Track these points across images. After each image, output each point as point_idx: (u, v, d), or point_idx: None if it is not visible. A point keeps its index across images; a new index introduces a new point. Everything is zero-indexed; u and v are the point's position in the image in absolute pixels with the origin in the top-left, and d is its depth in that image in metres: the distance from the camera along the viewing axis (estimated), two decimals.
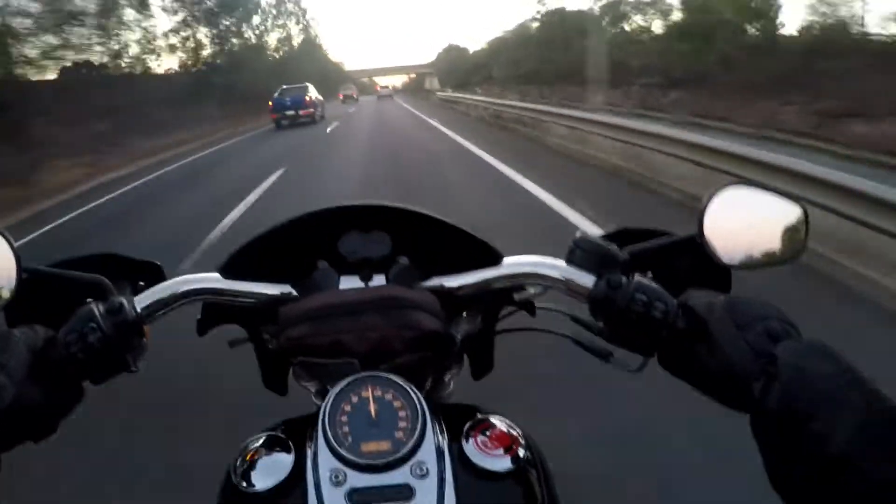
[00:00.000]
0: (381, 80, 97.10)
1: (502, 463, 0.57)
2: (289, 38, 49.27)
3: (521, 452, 0.58)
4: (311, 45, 59.05)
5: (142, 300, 0.64)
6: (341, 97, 53.89)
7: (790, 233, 0.66)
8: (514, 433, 0.60)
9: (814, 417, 0.43)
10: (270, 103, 23.17)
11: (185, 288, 0.67)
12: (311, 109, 22.86)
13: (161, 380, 2.54)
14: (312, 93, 24.07)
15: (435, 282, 0.70)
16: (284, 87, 24.21)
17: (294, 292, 0.69)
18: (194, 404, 2.67)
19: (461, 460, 0.56)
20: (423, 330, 0.64)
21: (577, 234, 0.66)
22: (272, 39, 43.58)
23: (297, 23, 51.90)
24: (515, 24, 48.87)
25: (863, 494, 0.40)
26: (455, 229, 0.73)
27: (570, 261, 0.66)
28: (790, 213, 0.65)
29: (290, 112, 22.46)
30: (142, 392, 2.49)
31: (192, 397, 2.72)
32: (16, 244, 0.61)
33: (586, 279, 0.64)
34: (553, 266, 0.66)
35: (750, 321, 0.53)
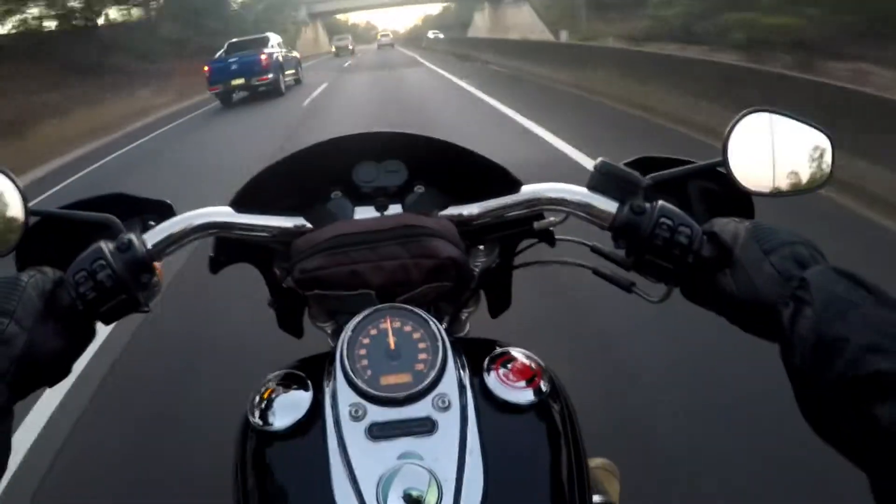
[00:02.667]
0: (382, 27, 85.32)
1: (524, 395, 0.56)
2: None
3: (543, 385, 0.57)
4: None
5: (152, 236, 0.63)
6: (333, 50, 45.89)
7: (815, 160, 0.64)
8: (536, 365, 0.59)
9: (848, 341, 0.42)
10: (206, 69, 14.62)
11: (197, 222, 0.65)
12: (271, 75, 14.68)
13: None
14: (275, 48, 15.77)
15: (452, 210, 0.68)
16: (233, 41, 16.43)
17: (308, 224, 0.68)
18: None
19: (483, 393, 0.56)
20: (442, 258, 0.63)
21: (599, 160, 0.64)
22: None
23: None
24: None
25: None
26: (472, 156, 0.71)
27: (591, 187, 0.64)
28: (815, 140, 0.64)
29: (239, 80, 14.37)
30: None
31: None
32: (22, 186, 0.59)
33: (609, 205, 0.62)
34: (574, 192, 0.64)
35: (776, 246, 0.52)
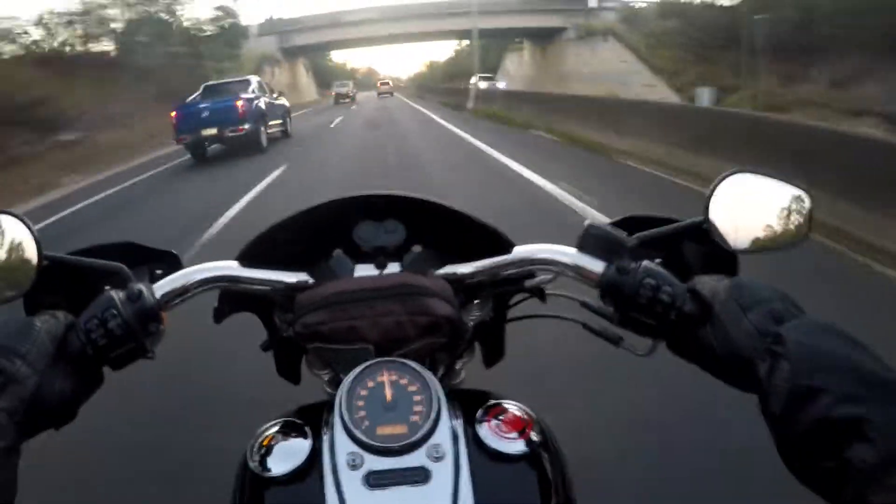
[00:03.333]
0: (384, 75, 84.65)
1: (516, 446, 0.58)
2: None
3: (535, 436, 0.59)
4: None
5: (161, 287, 0.65)
6: (332, 95, 42.20)
7: (794, 217, 0.67)
8: (527, 417, 0.61)
9: (823, 391, 0.44)
10: (173, 115, 12.27)
11: (204, 275, 0.68)
12: (248, 125, 12.08)
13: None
14: (255, 94, 13.16)
15: (448, 269, 0.71)
16: (209, 83, 14.43)
17: (310, 280, 0.71)
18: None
19: (476, 443, 0.58)
20: (437, 316, 0.66)
21: (587, 222, 0.67)
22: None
23: None
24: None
25: (879, 456, 0.40)
26: (467, 218, 0.74)
27: (580, 247, 0.67)
28: (794, 197, 0.67)
29: (210, 130, 11.90)
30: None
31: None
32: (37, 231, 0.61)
33: (596, 265, 0.65)
34: (563, 253, 0.67)
35: (754, 303, 0.54)
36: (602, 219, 0.71)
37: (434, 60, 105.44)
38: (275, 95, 14.77)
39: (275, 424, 0.62)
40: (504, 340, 0.82)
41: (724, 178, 0.65)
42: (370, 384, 0.59)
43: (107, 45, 23.76)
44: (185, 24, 28.22)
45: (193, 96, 13.34)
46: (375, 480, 0.53)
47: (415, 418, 0.57)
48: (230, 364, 2.70)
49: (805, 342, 0.48)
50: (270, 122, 13.49)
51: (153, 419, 2.53)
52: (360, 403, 0.58)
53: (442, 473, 0.54)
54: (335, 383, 0.74)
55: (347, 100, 40.13)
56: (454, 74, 58.64)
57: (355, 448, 0.55)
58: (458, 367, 0.80)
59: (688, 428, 2.16)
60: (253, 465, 0.58)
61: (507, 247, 0.71)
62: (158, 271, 0.70)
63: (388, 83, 57.93)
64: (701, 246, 0.68)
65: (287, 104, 15.85)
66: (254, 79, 14.49)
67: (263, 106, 13.06)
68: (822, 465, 0.44)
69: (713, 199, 0.65)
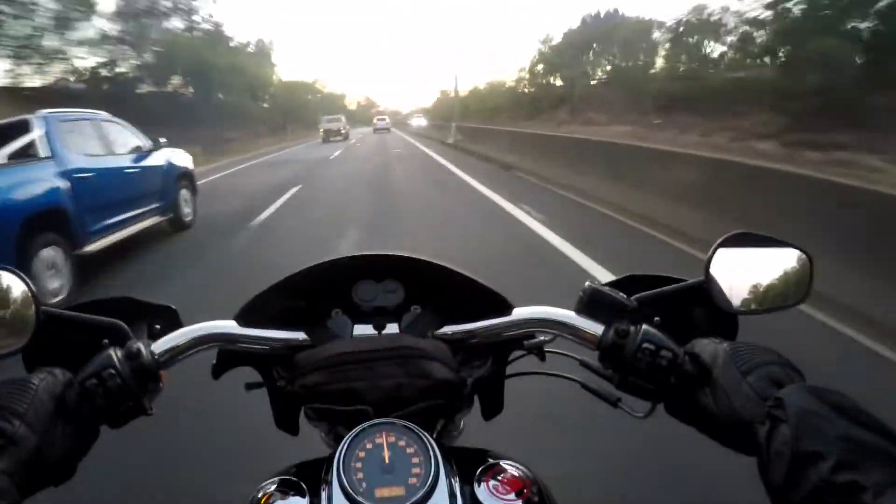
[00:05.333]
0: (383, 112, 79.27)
1: None
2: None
3: (532, 496, 0.59)
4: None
5: (160, 346, 0.66)
6: (321, 132, 36.47)
7: (795, 278, 0.67)
8: (526, 477, 0.61)
9: (823, 456, 0.44)
10: None
11: (203, 334, 0.68)
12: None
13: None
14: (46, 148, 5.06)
15: (447, 330, 0.72)
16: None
17: (308, 339, 0.71)
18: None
19: None
20: (435, 379, 0.66)
21: (587, 284, 0.68)
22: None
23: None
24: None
25: None
26: (466, 279, 0.74)
27: (578, 310, 0.67)
28: (794, 258, 0.67)
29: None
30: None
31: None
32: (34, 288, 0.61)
33: (595, 328, 0.65)
34: (563, 316, 0.68)
35: (753, 367, 0.55)
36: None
37: (444, 91, 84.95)
38: (146, 147, 6.96)
39: (272, 483, 0.61)
40: (503, 395, 0.82)
41: (724, 240, 0.66)
42: (368, 445, 0.59)
43: None
44: None
45: None
46: None
47: (413, 480, 0.56)
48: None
49: (805, 407, 0.48)
50: (121, 216, 5.97)
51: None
52: (358, 465, 0.58)
53: None
54: (333, 436, 0.74)
55: (339, 137, 35.16)
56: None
57: None
58: (457, 420, 0.79)
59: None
60: None
61: (506, 308, 0.72)
62: (157, 326, 0.70)
63: (384, 118, 55.97)
64: (701, 306, 0.68)
65: (185, 164, 7.98)
66: (44, 119, 5.35)
67: (76, 178, 5.22)
68: None
69: (714, 261, 0.65)
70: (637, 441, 2.21)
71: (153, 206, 6.79)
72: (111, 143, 6.27)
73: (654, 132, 15.45)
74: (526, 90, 36.47)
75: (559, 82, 33.01)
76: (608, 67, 31.15)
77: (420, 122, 51.28)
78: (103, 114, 6.63)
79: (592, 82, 29.80)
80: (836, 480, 0.43)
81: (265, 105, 44.17)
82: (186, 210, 7.77)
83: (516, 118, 27.58)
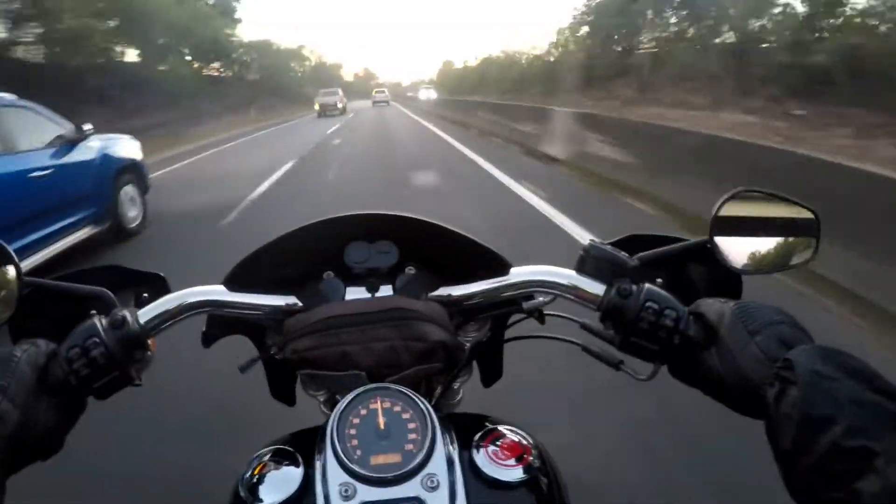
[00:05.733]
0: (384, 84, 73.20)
1: (514, 473, 0.56)
2: None
3: (533, 462, 0.58)
4: None
5: (145, 313, 0.64)
6: (317, 107, 34.04)
7: (801, 237, 0.65)
8: (525, 442, 0.60)
9: (834, 420, 0.43)
10: None
11: (190, 300, 0.66)
12: None
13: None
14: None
15: (442, 291, 0.69)
16: None
17: (299, 303, 0.69)
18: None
19: (472, 471, 0.56)
20: (431, 341, 0.64)
21: (587, 242, 0.66)
22: None
23: None
24: None
25: (887, 489, 0.39)
26: (462, 238, 0.72)
27: (579, 269, 0.65)
28: (801, 217, 0.65)
29: None
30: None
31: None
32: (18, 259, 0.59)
33: (596, 288, 0.63)
34: (562, 275, 0.66)
35: (761, 327, 0.53)
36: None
37: (444, 63, 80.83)
38: (70, 137, 5.31)
39: (267, 452, 0.60)
40: (502, 360, 0.80)
41: (729, 197, 0.64)
42: (363, 412, 0.58)
43: None
44: None
45: None
46: None
47: (409, 447, 0.55)
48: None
49: (815, 369, 0.46)
50: (23, 240, 4.30)
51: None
52: (352, 432, 0.56)
53: (437, 503, 0.52)
54: (331, 403, 0.73)
55: (336, 111, 32.91)
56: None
57: (347, 478, 0.53)
58: (455, 387, 0.78)
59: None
60: (244, 495, 0.56)
61: (504, 268, 0.70)
62: (145, 295, 0.68)
63: (384, 91, 53.56)
64: (705, 266, 0.67)
65: (128, 154, 6.29)
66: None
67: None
68: (829, 495, 0.42)
69: (717, 219, 0.63)
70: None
71: (80, 215, 5.10)
72: (9, 137, 4.57)
73: (802, 129, 9.32)
74: (557, 59, 27.21)
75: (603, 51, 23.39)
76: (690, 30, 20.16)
77: (429, 94, 42.44)
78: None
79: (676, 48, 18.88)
80: (846, 445, 0.42)
81: (222, 73, 35.00)
82: (132, 213, 5.99)
83: (553, 93, 19.34)
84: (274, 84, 41.32)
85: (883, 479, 0.40)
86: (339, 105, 33.41)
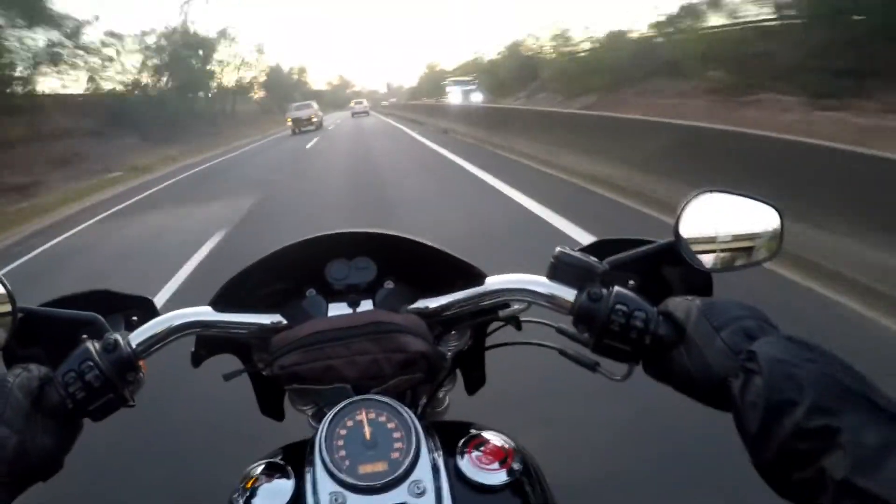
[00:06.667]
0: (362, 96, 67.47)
1: (497, 476, 0.58)
2: None
3: (516, 465, 0.59)
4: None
5: (136, 336, 0.66)
6: (289, 122, 30.39)
7: (766, 233, 0.68)
8: (509, 447, 0.62)
9: (796, 403, 0.45)
10: None
11: (178, 322, 0.68)
12: None
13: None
14: None
15: (420, 304, 0.72)
16: None
17: (284, 321, 0.71)
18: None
19: (457, 476, 0.58)
20: (411, 352, 0.66)
21: (557, 250, 0.68)
22: None
23: None
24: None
25: (852, 462, 0.41)
26: (437, 252, 0.75)
27: (551, 276, 0.67)
28: (764, 214, 0.67)
29: None
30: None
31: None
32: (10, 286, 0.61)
33: (568, 293, 0.65)
34: (535, 282, 0.68)
35: (726, 322, 0.55)
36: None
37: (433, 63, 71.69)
38: None
39: (258, 466, 0.62)
40: (484, 368, 0.82)
41: (693, 198, 0.66)
42: (349, 423, 0.60)
43: None
44: None
45: None
46: None
47: (395, 455, 0.57)
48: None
49: (777, 357, 0.48)
50: None
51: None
52: (340, 443, 0.58)
53: None
54: (319, 416, 0.74)
55: (311, 127, 29.65)
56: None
57: (337, 488, 0.55)
58: (440, 395, 0.80)
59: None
60: None
61: (479, 278, 0.72)
62: (134, 318, 0.70)
63: (362, 101, 50.88)
64: (677, 266, 0.69)
65: None
66: None
67: None
68: (799, 475, 0.44)
69: (682, 219, 0.65)
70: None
71: None
72: None
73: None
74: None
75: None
76: None
77: (471, 95, 31.43)
78: None
79: None
80: (808, 426, 0.43)
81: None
82: None
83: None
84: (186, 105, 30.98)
85: (846, 454, 0.41)
86: (314, 119, 30.26)
